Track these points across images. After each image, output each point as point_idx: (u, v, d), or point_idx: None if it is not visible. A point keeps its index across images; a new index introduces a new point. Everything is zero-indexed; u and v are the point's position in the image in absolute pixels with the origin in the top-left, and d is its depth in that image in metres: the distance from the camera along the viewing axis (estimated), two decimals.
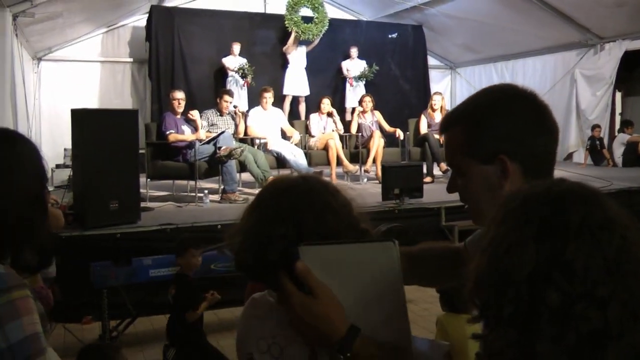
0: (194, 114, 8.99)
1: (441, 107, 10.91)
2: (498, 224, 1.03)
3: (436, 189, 9.22)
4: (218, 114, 9.46)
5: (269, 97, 10.07)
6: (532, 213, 1.00)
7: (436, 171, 10.46)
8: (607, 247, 0.95)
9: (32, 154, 1.70)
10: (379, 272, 1.32)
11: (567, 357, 0.93)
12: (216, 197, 8.62)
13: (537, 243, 0.96)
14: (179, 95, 8.96)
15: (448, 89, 16.19)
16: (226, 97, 9.56)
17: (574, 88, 12.84)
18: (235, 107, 9.83)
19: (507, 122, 1.46)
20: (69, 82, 12.34)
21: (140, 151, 7.54)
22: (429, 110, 10.96)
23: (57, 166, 10.52)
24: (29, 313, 1.49)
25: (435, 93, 11.58)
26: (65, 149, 10.43)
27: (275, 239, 1.36)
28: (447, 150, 1.57)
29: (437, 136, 10.48)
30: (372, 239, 1.44)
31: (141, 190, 7.50)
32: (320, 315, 1.29)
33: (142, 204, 7.48)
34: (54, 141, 11.37)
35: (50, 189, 8.95)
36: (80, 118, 6.60)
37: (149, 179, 8.48)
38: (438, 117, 10.83)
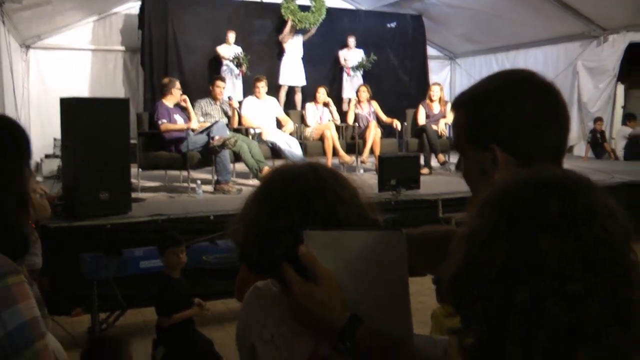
0: (186, 99, 8.98)
1: (440, 98, 10.95)
2: (476, 215, 1.01)
3: (433, 181, 9.27)
4: (212, 102, 9.48)
5: (262, 86, 10.10)
6: (507, 205, 0.97)
7: (434, 163, 10.50)
8: (586, 241, 0.92)
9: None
10: (384, 261, 1.31)
11: (540, 358, 0.90)
12: (209, 187, 8.62)
13: (508, 237, 0.94)
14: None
15: (447, 80, 16.17)
16: (218, 83, 9.59)
17: (576, 80, 12.83)
18: (229, 98, 9.81)
19: (507, 110, 1.43)
20: (59, 70, 12.27)
21: (132, 141, 7.54)
22: (428, 101, 10.99)
23: (47, 156, 10.51)
24: (25, 298, 1.50)
25: (433, 84, 11.62)
26: (55, 139, 10.42)
27: (282, 232, 1.35)
28: (453, 131, 1.58)
29: (435, 127, 10.52)
30: (380, 227, 1.42)
31: (132, 181, 7.51)
32: (322, 303, 1.28)
33: (134, 195, 7.48)
34: (43, 131, 11.34)
35: (40, 179, 8.97)
36: (70, 107, 6.60)
37: (140, 169, 8.49)
38: (436, 108, 10.86)
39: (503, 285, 0.93)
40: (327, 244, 1.31)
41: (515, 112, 1.42)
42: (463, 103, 1.53)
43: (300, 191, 1.39)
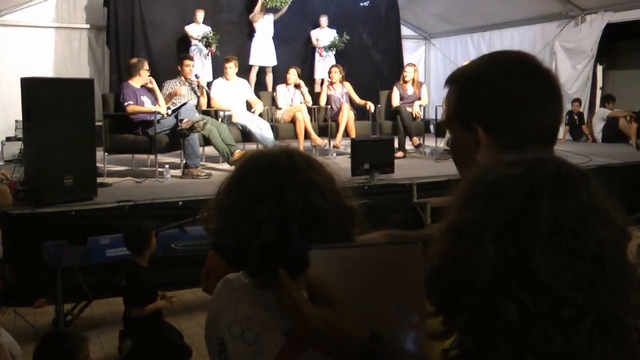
0: (152, 80, 8.87)
1: (413, 79, 10.90)
2: (460, 207, 0.97)
3: (408, 164, 9.28)
4: (181, 82, 9.39)
5: (231, 67, 10.01)
6: (496, 206, 0.92)
7: (408, 146, 10.47)
8: (582, 256, 0.87)
9: None
10: (399, 276, 1.28)
11: None
12: (177, 172, 8.54)
13: (497, 244, 0.89)
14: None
15: (422, 61, 16.13)
16: (187, 62, 9.55)
17: (553, 61, 12.85)
18: (197, 76, 9.71)
19: (492, 92, 1.43)
20: (20, 49, 12.03)
21: (97, 123, 7.43)
22: (401, 83, 10.95)
23: (8, 139, 10.32)
24: None
25: (407, 64, 11.59)
26: (16, 121, 10.22)
27: (259, 222, 1.33)
28: (444, 106, 1.62)
29: (409, 109, 10.49)
30: (394, 242, 1.41)
31: (98, 165, 7.42)
32: (339, 325, 1.23)
33: (99, 180, 7.38)
34: (4, 112, 11.18)
35: (0, 163, 8.81)
36: (32, 87, 6.46)
37: (106, 153, 8.39)
38: (410, 90, 10.83)
39: (491, 297, 0.89)
40: (336, 262, 1.27)
41: (500, 94, 1.42)
42: (454, 80, 1.52)
43: (276, 180, 1.38)
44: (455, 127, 1.49)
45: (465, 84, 1.48)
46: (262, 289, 1.40)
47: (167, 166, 8.23)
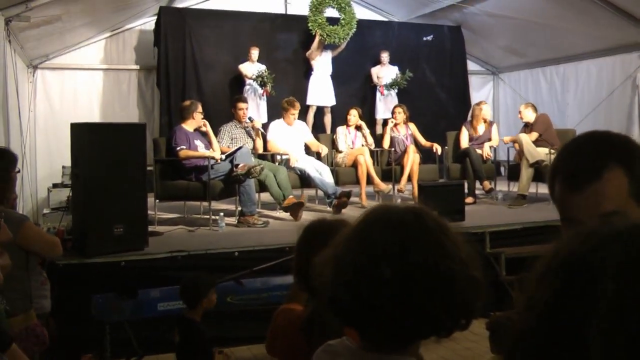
0: (207, 123, 8.95)
1: (484, 119, 10.79)
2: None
3: (479, 211, 9.17)
4: (237, 125, 9.47)
5: (294, 113, 10.04)
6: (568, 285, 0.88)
7: (478, 190, 10.36)
8: None
9: None
10: None
11: None
12: (233, 220, 8.57)
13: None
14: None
15: (490, 97, 15.98)
16: (240, 105, 9.61)
17: (635, 95, 12.59)
18: (251, 119, 9.76)
19: None
20: (68, 92, 12.34)
21: (148, 169, 7.50)
22: (472, 122, 10.84)
23: (55, 186, 10.48)
24: None
25: (480, 102, 11.39)
26: (63, 167, 10.40)
27: (381, 280, 1.35)
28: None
29: (479, 151, 10.36)
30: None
31: (149, 213, 7.47)
32: None
33: (150, 228, 7.46)
34: (50, 158, 11.38)
35: (47, 211, 8.95)
36: (81, 133, 6.59)
37: (157, 200, 8.46)
38: (481, 130, 10.71)
39: None
40: None
41: None
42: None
43: (402, 238, 1.40)
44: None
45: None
46: (371, 352, 1.42)
47: (221, 214, 8.24)
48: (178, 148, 8.41)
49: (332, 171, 9.76)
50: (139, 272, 6.39)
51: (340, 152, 10.41)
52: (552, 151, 9.41)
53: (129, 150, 6.73)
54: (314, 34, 12.45)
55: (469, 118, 11.05)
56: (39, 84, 12.25)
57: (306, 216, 8.43)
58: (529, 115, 10.45)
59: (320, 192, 9.63)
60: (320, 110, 12.66)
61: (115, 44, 12.92)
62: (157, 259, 6.59)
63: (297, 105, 10.14)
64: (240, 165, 8.28)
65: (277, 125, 10.11)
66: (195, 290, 4.91)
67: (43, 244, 4.56)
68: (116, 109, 12.67)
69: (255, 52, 12.00)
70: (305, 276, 2.57)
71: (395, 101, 12.45)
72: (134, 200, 6.74)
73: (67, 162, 7.17)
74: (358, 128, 10.61)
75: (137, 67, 13.10)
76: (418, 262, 1.35)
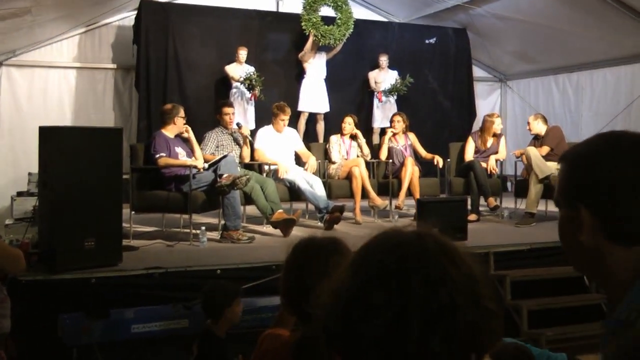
0: (189, 129, 8.91)
1: (494, 131, 10.75)
2: None
3: (483, 229, 9.18)
4: (224, 131, 9.47)
5: (284, 119, 10.02)
6: None
7: (483, 207, 10.36)
8: None
9: None
10: None
11: None
12: (215, 235, 8.56)
13: None
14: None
15: (497, 106, 16.02)
16: (226, 110, 9.59)
17: None
18: (239, 125, 9.73)
19: (602, 173, 1.55)
20: (37, 92, 12.31)
21: (124, 177, 7.47)
22: (482, 134, 10.81)
23: (19, 194, 10.38)
24: None
25: (492, 114, 11.31)
26: (30, 174, 10.33)
27: (373, 308, 1.32)
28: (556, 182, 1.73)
29: (484, 164, 10.34)
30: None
31: (124, 226, 7.44)
32: None
33: (125, 242, 7.42)
34: (15, 163, 11.37)
35: (9, 222, 8.90)
36: (51, 137, 6.54)
37: (133, 212, 8.42)
38: (490, 143, 10.68)
39: None
40: None
41: (611, 176, 1.52)
42: (564, 157, 1.67)
43: (400, 263, 1.36)
44: (560, 205, 1.63)
45: (575, 162, 1.62)
46: None
47: (203, 228, 8.19)
48: (157, 155, 8.38)
49: (324, 183, 9.74)
50: (111, 290, 6.34)
51: (334, 162, 10.38)
52: None
53: (103, 156, 6.70)
54: (307, 34, 12.47)
55: (476, 129, 11.00)
56: (4, 82, 12.20)
57: (295, 232, 8.41)
58: (538, 128, 10.46)
59: (311, 206, 9.62)
60: (312, 117, 12.67)
61: (90, 40, 12.89)
62: (131, 276, 6.54)
63: (288, 110, 10.11)
64: (224, 176, 8.25)
65: (265, 132, 10.09)
66: (218, 297, 4.91)
67: (4, 258, 4.51)
68: (90, 112, 12.64)
69: (243, 53, 12.01)
70: (293, 299, 2.56)
71: (394, 109, 12.47)
72: (107, 211, 6.70)
73: (34, 169, 7.13)
74: (353, 137, 10.60)
75: (114, 66, 13.06)
76: (414, 289, 1.31)
